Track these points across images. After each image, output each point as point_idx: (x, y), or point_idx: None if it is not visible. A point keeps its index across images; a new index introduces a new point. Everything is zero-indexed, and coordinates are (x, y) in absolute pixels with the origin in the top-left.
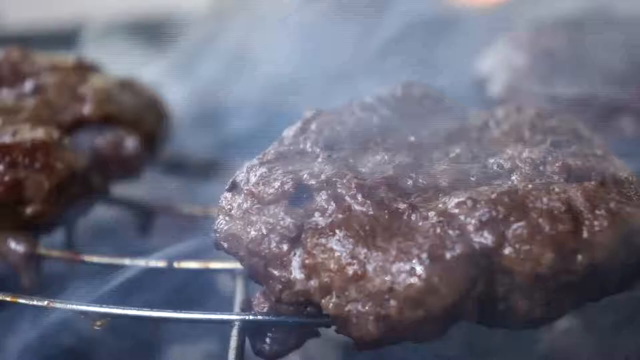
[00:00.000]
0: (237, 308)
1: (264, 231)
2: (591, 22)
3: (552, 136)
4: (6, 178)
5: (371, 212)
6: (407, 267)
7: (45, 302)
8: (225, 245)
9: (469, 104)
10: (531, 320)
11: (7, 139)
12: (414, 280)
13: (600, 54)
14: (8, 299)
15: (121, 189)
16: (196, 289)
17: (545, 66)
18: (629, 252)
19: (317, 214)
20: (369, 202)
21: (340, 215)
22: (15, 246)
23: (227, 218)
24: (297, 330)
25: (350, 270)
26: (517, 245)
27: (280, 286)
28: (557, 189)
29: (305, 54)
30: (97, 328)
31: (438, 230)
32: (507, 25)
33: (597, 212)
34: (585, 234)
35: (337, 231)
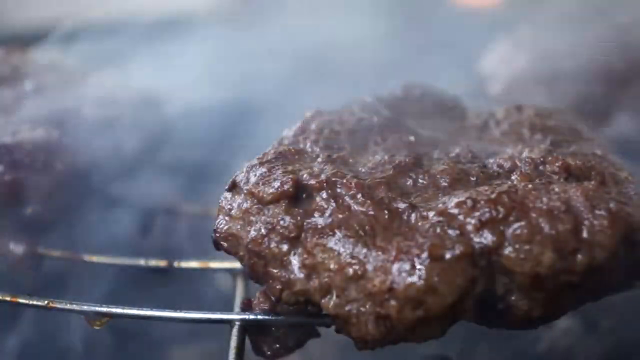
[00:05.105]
0: (237, 308)
1: (264, 231)
2: (590, 22)
3: (552, 136)
4: (6, 178)
5: (371, 212)
6: (407, 266)
7: (45, 302)
8: (225, 245)
9: (469, 104)
10: (531, 320)
11: (7, 139)
12: (413, 279)
13: (600, 54)
14: (8, 298)
15: (121, 189)
16: (196, 289)
17: (545, 66)
18: (629, 252)
19: (316, 213)
20: (368, 202)
21: (340, 215)
22: (15, 246)
23: (227, 218)
24: (297, 330)
25: (350, 270)
26: (517, 245)
27: (280, 286)
28: (557, 189)
29: (303, 52)
30: (97, 328)
31: (438, 230)
32: (507, 25)
33: (597, 212)
34: (585, 234)
35: (337, 231)
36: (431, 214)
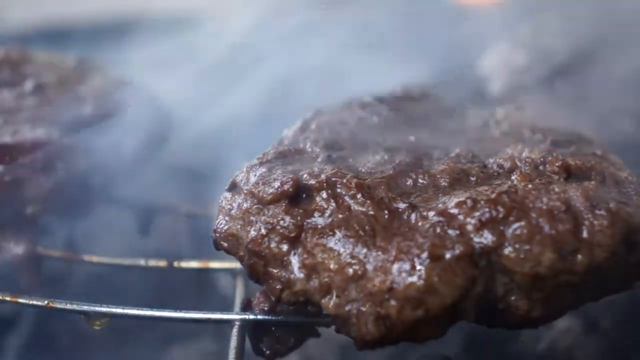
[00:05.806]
0: (237, 308)
1: (264, 231)
2: (591, 22)
3: (552, 136)
4: (6, 178)
5: (371, 212)
6: (407, 266)
7: (45, 302)
8: (225, 245)
9: (469, 104)
10: (531, 320)
11: (7, 139)
12: (413, 279)
13: (600, 54)
14: (8, 298)
15: (121, 189)
16: (196, 289)
17: (545, 66)
18: (629, 252)
19: (317, 213)
20: (368, 202)
21: (340, 215)
22: (15, 246)
23: (227, 218)
24: (297, 329)
25: (350, 270)
26: (517, 245)
27: (280, 286)
28: (557, 189)
29: (303, 51)
30: (97, 328)
31: (438, 230)
32: (507, 25)
33: (597, 212)
34: (585, 234)
35: (337, 231)
36: (431, 214)
